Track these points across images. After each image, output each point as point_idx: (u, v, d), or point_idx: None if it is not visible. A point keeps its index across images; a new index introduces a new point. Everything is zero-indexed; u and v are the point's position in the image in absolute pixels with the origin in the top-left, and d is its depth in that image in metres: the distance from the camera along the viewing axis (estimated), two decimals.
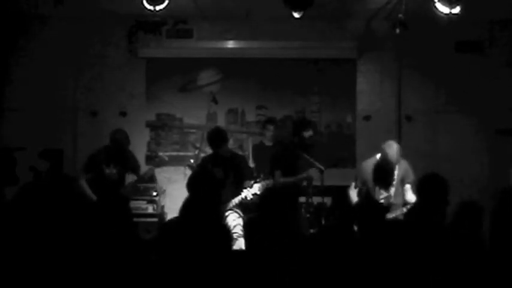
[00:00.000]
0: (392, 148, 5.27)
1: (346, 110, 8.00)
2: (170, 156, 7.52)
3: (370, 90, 8.01)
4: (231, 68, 7.97)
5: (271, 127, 7.07)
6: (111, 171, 5.99)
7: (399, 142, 5.50)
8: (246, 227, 5.71)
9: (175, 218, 3.65)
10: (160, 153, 6.78)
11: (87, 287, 3.14)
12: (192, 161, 6.82)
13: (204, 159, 6.19)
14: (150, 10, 5.83)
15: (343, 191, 5.66)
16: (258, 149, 7.12)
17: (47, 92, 7.75)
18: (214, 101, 7.82)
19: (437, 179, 3.83)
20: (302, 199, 6.08)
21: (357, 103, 8.02)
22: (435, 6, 5.74)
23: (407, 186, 5.31)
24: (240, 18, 7.75)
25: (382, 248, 3.48)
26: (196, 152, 7.13)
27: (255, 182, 5.58)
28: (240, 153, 6.85)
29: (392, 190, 5.30)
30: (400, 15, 6.29)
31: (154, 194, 7.18)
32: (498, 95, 7.65)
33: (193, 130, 7.95)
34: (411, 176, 5.31)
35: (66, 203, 5.09)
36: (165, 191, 7.47)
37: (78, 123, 7.89)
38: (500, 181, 6.28)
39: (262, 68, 7.96)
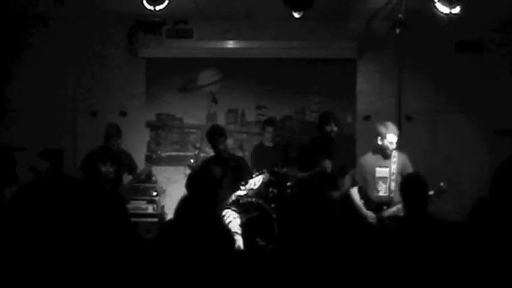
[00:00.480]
0: (388, 127, 5.32)
1: (346, 110, 7.99)
2: (170, 156, 7.51)
3: (370, 90, 8.02)
4: (231, 68, 7.97)
5: (270, 128, 7.09)
6: (107, 169, 6.01)
7: (399, 142, 5.49)
8: (246, 227, 5.72)
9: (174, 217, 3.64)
10: (158, 152, 6.79)
11: (87, 287, 3.15)
12: (192, 161, 6.82)
13: (205, 160, 6.22)
14: (150, 10, 5.83)
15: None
16: (258, 149, 7.13)
17: (47, 92, 7.77)
18: (214, 101, 7.84)
19: (416, 179, 3.88)
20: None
21: (357, 103, 8.03)
22: (435, 6, 5.74)
23: None
24: (240, 18, 7.75)
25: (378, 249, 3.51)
26: (196, 152, 7.13)
27: (260, 174, 5.81)
28: (240, 153, 6.85)
29: (392, 185, 5.29)
30: (400, 15, 6.30)
31: (154, 194, 7.18)
32: (498, 95, 7.64)
33: (193, 130, 7.96)
34: (410, 169, 5.28)
35: (66, 203, 5.08)
36: (165, 191, 7.46)
37: (78, 123, 7.91)
38: None
39: (262, 68, 7.96)
